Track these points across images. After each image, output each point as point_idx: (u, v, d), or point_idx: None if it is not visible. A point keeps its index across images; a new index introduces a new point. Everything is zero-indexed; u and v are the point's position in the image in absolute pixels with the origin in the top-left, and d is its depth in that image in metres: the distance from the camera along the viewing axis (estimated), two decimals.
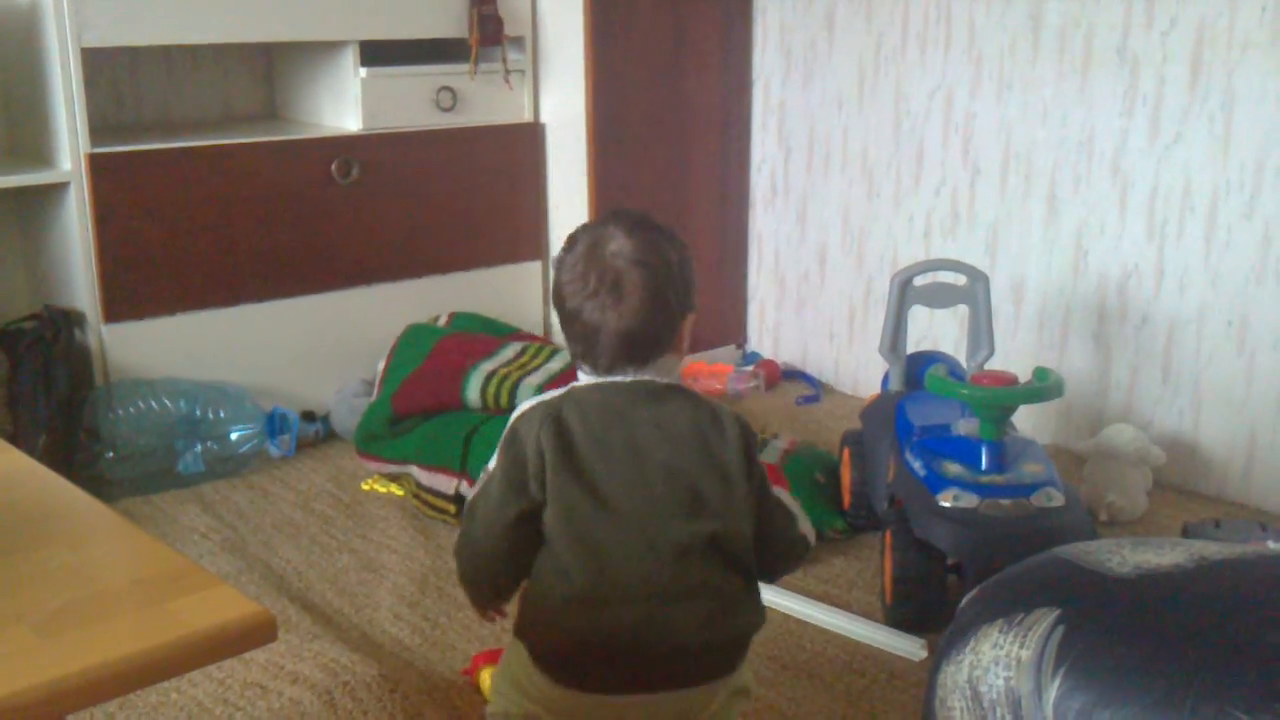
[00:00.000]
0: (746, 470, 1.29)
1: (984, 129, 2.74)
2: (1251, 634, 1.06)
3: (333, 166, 2.72)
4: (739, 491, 1.28)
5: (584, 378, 1.34)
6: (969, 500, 1.85)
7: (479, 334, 2.64)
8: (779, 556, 1.35)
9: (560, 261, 1.33)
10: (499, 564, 1.30)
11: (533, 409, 1.30)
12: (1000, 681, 1.13)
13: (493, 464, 1.31)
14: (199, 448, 2.49)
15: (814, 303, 3.18)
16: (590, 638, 1.23)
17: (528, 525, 1.27)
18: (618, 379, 1.30)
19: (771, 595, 2.02)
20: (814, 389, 3.11)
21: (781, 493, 1.36)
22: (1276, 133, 2.30)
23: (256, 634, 0.92)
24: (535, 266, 3.10)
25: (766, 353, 3.30)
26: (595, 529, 1.24)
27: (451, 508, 2.31)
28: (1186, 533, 2.20)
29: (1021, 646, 1.13)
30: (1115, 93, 2.51)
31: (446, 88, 2.88)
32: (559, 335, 3.06)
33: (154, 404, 2.46)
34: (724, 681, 1.28)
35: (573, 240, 1.33)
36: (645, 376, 1.30)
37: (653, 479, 1.25)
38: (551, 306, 1.36)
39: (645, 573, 1.22)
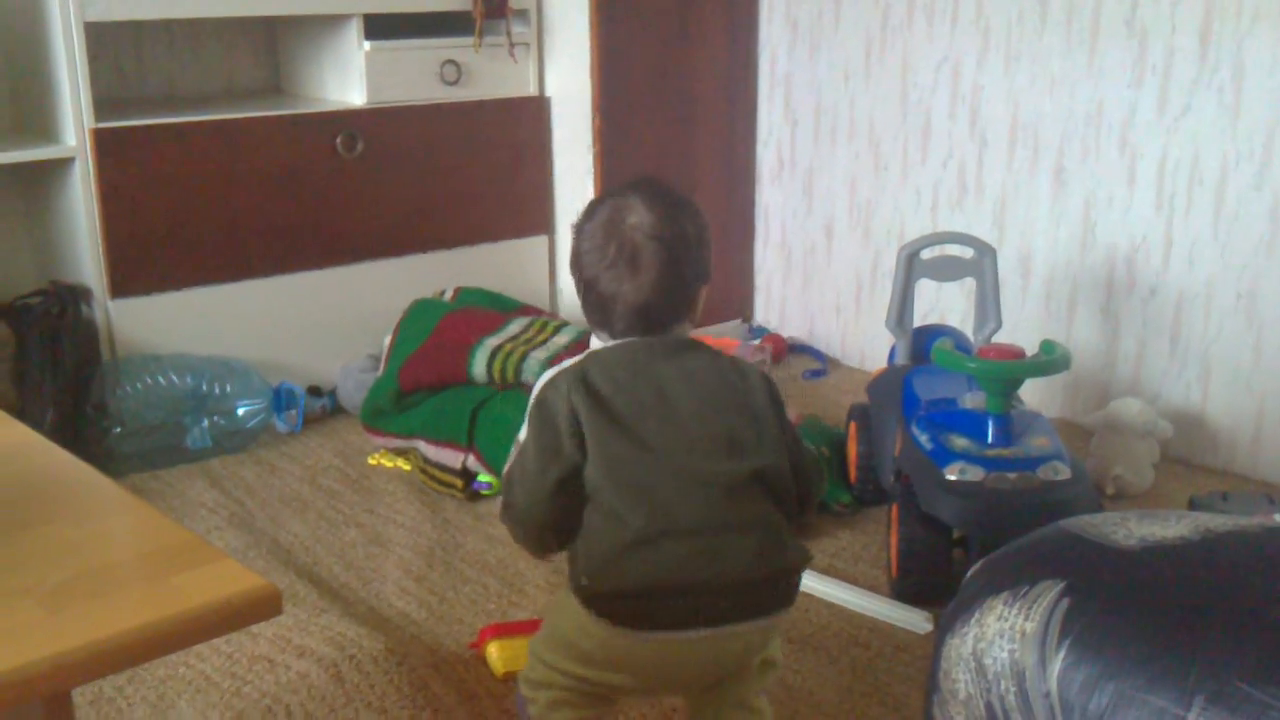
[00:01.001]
0: (775, 412, 1.34)
1: (991, 101, 2.72)
2: (1256, 606, 1.06)
3: (337, 141, 2.71)
4: (771, 431, 1.33)
5: (598, 344, 1.37)
6: (975, 474, 1.84)
7: (485, 309, 2.64)
8: (808, 494, 1.38)
9: (580, 229, 1.37)
10: (548, 530, 1.32)
11: (557, 376, 1.32)
12: (1005, 654, 1.13)
13: (523, 435, 1.33)
14: (206, 423, 2.49)
15: (821, 276, 3.17)
16: (651, 576, 1.24)
17: (570, 487, 1.29)
18: (635, 339, 1.35)
19: None
20: (820, 363, 3.11)
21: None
22: None
23: (261, 608, 0.92)
24: (541, 241, 3.09)
25: (773, 327, 3.30)
26: (641, 472, 1.26)
27: (459, 482, 2.32)
28: (1194, 506, 2.19)
29: (1026, 619, 1.13)
30: (1124, 64, 2.49)
31: (451, 61, 2.86)
32: (566, 309, 3.07)
33: (161, 379, 2.46)
34: (779, 616, 1.31)
35: (593, 208, 1.37)
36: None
37: (687, 425, 1.29)
38: (569, 273, 1.41)
39: (697, 506, 1.25)
